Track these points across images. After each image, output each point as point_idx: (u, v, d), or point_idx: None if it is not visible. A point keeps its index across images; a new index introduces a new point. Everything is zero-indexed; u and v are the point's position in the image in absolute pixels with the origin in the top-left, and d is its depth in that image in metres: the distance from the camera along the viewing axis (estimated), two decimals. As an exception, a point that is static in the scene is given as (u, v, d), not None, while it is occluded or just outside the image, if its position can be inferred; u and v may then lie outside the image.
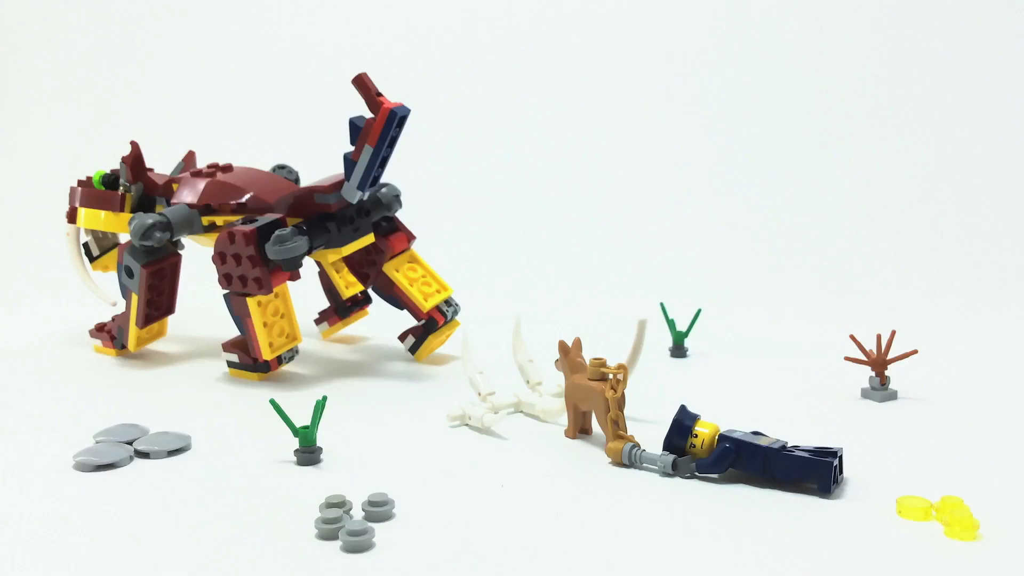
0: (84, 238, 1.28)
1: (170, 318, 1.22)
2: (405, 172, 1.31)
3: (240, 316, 1.08)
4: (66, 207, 1.27)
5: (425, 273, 1.20)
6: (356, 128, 1.03)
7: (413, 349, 1.21)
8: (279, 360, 1.12)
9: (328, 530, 0.72)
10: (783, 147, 1.67)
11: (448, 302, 1.20)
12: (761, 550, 0.71)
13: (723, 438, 0.82)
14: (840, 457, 0.81)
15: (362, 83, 1.02)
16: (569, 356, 0.94)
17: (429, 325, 1.19)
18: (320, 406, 0.88)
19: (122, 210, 1.20)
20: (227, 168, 1.20)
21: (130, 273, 1.13)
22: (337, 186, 1.08)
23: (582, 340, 0.96)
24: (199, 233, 1.15)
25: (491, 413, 0.97)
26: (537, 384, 1.03)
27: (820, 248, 1.54)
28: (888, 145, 1.62)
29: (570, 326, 1.15)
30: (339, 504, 0.75)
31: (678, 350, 1.22)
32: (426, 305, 1.17)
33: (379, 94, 1.02)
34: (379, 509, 0.75)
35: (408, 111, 1.03)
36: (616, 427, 0.87)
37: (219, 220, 1.14)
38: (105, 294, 1.27)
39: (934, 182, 1.57)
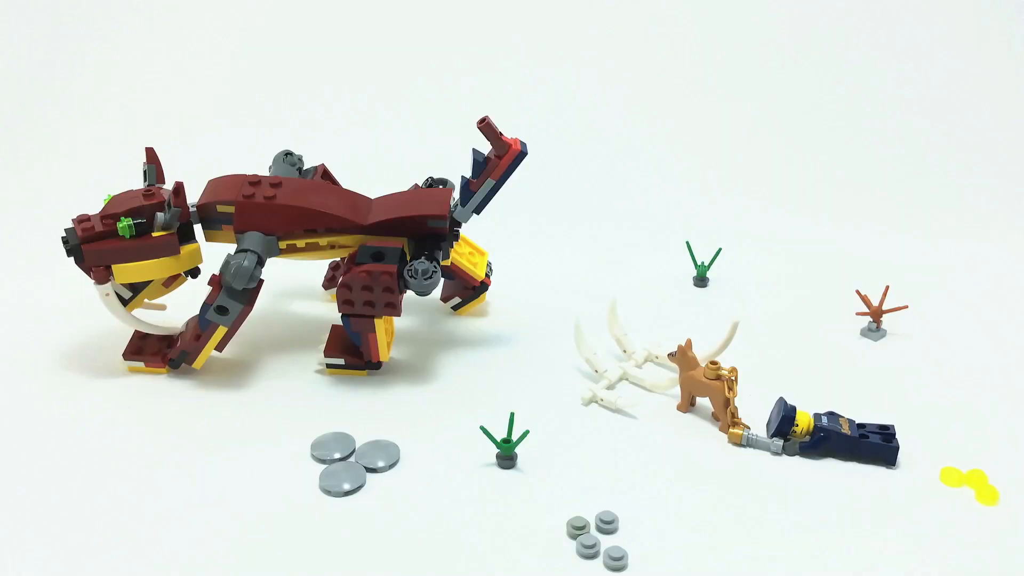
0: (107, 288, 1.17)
1: (248, 354, 1.28)
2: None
3: (361, 331, 1.19)
4: (67, 262, 1.16)
5: (468, 247, 1.38)
6: (478, 162, 1.18)
7: (457, 307, 1.40)
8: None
9: (588, 552, 0.98)
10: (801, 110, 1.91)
11: (488, 265, 1.40)
12: (851, 506, 1.05)
13: (818, 428, 1.13)
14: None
15: (488, 126, 1.15)
16: (685, 355, 1.20)
17: (478, 289, 1.38)
18: (512, 419, 1.11)
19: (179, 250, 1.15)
20: (275, 183, 1.16)
21: (224, 311, 1.16)
22: (446, 209, 1.19)
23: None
24: (275, 256, 1.19)
25: (611, 391, 1.23)
26: (632, 353, 1.29)
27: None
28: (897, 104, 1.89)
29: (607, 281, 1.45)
30: (582, 527, 1.01)
31: (701, 281, 1.50)
32: (481, 275, 1.36)
33: (501, 134, 1.16)
34: (608, 526, 1.02)
35: (527, 149, 1.17)
36: (733, 417, 1.16)
37: (299, 243, 1.19)
38: (160, 325, 1.25)
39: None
